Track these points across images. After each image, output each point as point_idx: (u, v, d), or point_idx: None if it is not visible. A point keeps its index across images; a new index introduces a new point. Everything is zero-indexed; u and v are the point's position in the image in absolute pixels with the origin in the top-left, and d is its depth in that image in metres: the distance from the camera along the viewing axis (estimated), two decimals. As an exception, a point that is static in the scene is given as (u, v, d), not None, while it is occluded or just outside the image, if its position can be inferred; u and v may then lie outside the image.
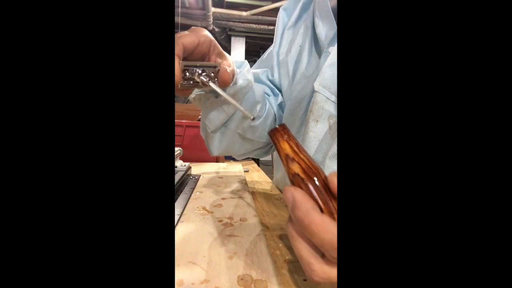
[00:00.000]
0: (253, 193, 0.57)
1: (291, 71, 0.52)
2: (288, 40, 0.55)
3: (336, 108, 0.41)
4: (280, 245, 0.35)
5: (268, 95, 0.54)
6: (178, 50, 0.32)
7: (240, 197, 0.53)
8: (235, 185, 0.61)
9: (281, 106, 0.55)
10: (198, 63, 0.34)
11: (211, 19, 3.57)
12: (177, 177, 0.56)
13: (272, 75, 0.56)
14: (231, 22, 3.84)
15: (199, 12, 3.65)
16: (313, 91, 0.42)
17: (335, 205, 0.21)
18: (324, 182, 0.22)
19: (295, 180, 0.22)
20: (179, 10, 3.49)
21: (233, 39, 4.43)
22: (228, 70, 0.37)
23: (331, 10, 0.45)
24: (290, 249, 0.35)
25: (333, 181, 0.21)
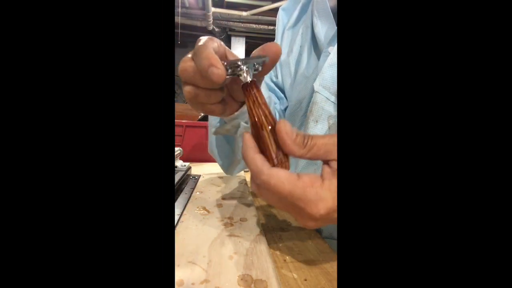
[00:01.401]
0: (253, 193, 0.57)
1: (292, 72, 0.52)
2: (288, 41, 0.55)
3: (336, 108, 0.41)
4: (280, 245, 0.35)
5: (275, 103, 0.54)
6: (211, 52, 0.28)
7: (240, 197, 0.53)
8: (235, 185, 0.61)
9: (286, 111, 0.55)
10: (243, 59, 0.29)
11: (211, 19, 3.56)
12: (177, 177, 0.56)
13: (276, 77, 0.56)
14: (231, 22, 3.84)
15: (199, 12, 3.65)
16: (313, 92, 0.42)
17: (274, 144, 0.25)
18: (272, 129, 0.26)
19: (251, 128, 0.27)
20: (179, 10, 3.49)
21: (233, 39, 4.42)
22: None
23: (330, 10, 0.45)
24: (290, 249, 0.35)
25: (278, 126, 0.25)
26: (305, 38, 0.51)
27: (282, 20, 0.57)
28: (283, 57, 0.55)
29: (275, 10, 3.35)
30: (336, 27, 0.44)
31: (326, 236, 0.43)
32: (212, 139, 0.49)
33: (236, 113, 0.35)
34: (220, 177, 0.67)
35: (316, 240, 0.38)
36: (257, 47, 0.30)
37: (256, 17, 3.72)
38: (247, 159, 0.25)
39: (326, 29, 0.45)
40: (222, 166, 0.52)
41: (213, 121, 0.43)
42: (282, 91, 0.55)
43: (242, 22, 3.85)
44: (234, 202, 0.50)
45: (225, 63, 0.27)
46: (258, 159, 0.24)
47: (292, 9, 0.56)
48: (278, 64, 0.55)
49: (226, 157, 0.50)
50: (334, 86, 0.41)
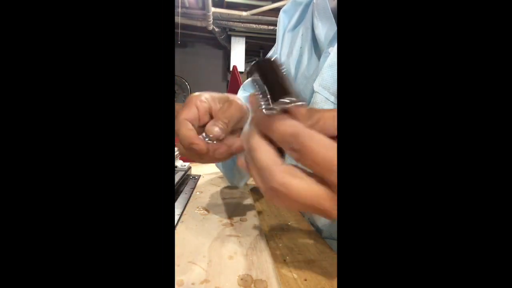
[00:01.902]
0: (253, 193, 0.57)
1: (293, 73, 0.52)
2: (288, 43, 0.55)
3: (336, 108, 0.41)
4: (280, 245, 0.35)
5: None
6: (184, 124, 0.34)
7: (240, 197, 0.53)
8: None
9: None
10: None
11: (211, 19, 3.57)
12: (177, 177, 0.56)
13: None
14: (231, 22, 3.84)
15: (199, 12, 3.65)
16: (313, 92, 0.42)
17: None
18: None
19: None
20: (179, 10, 3.50)
21: (233, 39, 4.42)
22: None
23: (330, 11, 0.45)
24: (290, 249, 0.35)
25: None
26: (305, 39, 0.51)
27: (282, 22, 0.57)
28: (283, 58, 0.55)
29: (275, 10, 3.36)
30: (336, 28, 0.44)
31: (326, 236, 0.43)
32: None
33: None
34: (220, 177, 0.67)
35: (316, 240, 0.38)
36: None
37: (256, 17, 3.72)
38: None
39: (327, 29, 0.45)
40: (228, 178, 0.53)
41: None
42: None
43: (242, 22, 3.85)
44: (234, 202, 0.50)
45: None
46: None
47: (292, 11, 0.56)
48: None
49: (230, 169, 0.50)
50: (334, 87, 0.41)
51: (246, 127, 0.24)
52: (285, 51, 0.55)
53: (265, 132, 0.21)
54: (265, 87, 0.19)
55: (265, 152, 0.21)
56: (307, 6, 0.54)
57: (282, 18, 0.57)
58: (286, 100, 0.18)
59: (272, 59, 0.19)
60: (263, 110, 0.20)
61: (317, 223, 0.44)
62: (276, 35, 0.58)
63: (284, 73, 0.19)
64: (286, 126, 0.20)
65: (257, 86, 0.20)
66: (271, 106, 0.19)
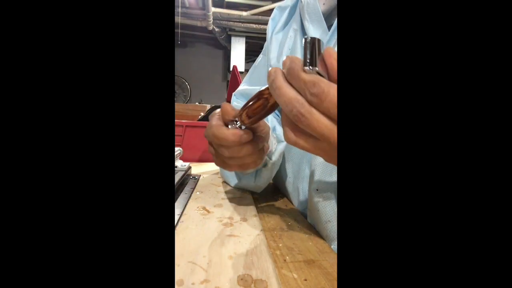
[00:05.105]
0: (253, 193, 0.57)
1: None
2: (277, 45, 0.56)
3: None
4: (280, 245, 0.35)
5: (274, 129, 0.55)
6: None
7: (240, 197, 0.53)
8: (235, 185, 0.61)
9: None
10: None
11: (211, 19, 3.57)
12: (177, 177, 0.55)
13: None
14: (231, 22, 3.84)
15: (199, 12, 3.66)
16: None
17: None
18: None
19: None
20: (179, 10, 3.50)
21: (233, 39, 4.43)
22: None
23: (321, 14, 0.46)
24: (290, 249, 0.34)
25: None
26: (295, 41, 0.51)
27: (271, 28, 0.59)
28: (272, 61, 0.55)
29: (275, 10, 3.36)
30: (328, 31, 0.44)
31: (326, 235, 0.43)
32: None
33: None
34: (220, 177, 0.67)
35: (316, 240, 0.38)
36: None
37: (256, 17, 3.72)
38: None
39: (321, 33, 0.46)
40: (227, 180, 0.54)
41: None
42: None
43: (242, 22, 3.85)
44: (234, 202, 0.50)
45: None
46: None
47: (278, 17, 0.58)
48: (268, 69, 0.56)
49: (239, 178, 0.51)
50: None
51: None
52: (275, 54, 0.55)
53: (295, 82, 0.26)
54: (312, 56, 0.26)
55: (290, 88, 0.26)
56: (292, 8, 0.55)
57: (270, 25, 0.60)
58: (316, 69, 0.26)
59: (321, 40, 0.26)
60: (305, 68, 0.26)
61: (317, 222, 0.44)
62: (266, 39, 0.60)
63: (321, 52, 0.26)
64: (315, 77, 0.25)
65: (308, 52, 0.26)
66: (312, 68, 0.25)
